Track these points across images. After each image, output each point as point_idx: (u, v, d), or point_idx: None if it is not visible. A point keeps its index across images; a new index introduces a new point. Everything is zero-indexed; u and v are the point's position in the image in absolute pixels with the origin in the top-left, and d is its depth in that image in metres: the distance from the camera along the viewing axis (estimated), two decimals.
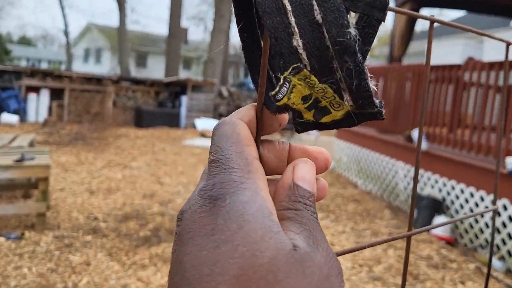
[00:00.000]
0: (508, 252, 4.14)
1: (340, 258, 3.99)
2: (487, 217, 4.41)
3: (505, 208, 4.23)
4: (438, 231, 4.68)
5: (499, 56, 4.59)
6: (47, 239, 3.95)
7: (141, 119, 12.40)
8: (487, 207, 4.44)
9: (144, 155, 8.32)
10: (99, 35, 34.71)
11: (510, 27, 11.37)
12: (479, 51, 4.93)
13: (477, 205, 4.57)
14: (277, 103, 0.30)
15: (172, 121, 12.84)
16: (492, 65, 4.74)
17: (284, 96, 0.30)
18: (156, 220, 4.64)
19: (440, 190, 5.12)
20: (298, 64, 0.30)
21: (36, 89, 11.89)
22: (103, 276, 3.35)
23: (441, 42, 5.95)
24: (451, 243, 4.61)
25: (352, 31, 0.29)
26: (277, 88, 0.30)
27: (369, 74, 0.31)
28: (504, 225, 4.23)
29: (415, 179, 0.38)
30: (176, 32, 17.89)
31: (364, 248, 0.35)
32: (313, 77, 0.30)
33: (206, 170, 0.31)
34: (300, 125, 0.33)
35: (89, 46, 36.51)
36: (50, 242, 3.89)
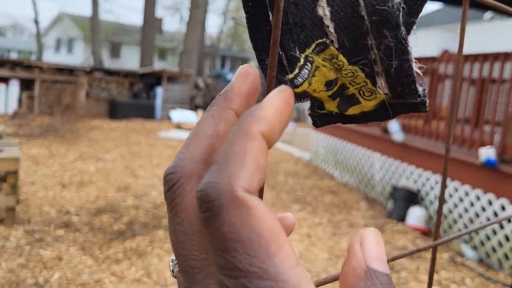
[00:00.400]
0: (481, 242, 4.22)
1: (316, 248, 4.00)
2: (461, 207, 4.48)
3: (478, 198, 4.31)
4: (413, 222, 4.74)
5: (474, 49, 4.65)
6: (17, 234, 3.82)
7: (115, 111, 12.18)
8: (461, 198, 4.52)
9: (118, 147, 8.17)
10: (71, 24, 33.87)
11: (484, 20, 11.58)
12: (455, 44, 4.97)
13: (451, 195, 4.64)
14: (296, 90, 0.23)
15: (147, 112, 12.66)
16: (467, 58, 4.80)
17: (304, 81, 0.23)
18: (130, 214, 4.56)
19: (415, 181, 5.18)
20: (324, 39, 0.23)
21: (5, 80, 11.51)
22: (75, 271, 3.27)
23: (417, 34, 6.00)
24: (425, 233, 4.68)
25: None
26: (296, 70, 0.23)
27: (413, 54, 0.24)
28: (477, 215, 4.31)
29: (442, 189, 0.34)
30: (151, 22, 17.60)
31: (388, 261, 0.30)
32: (341, 57, 0.24)
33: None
34: (319, 118, 0.26)
35: (60, 36, 35.60)
36: (20, 237, 3.77)
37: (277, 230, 0.19)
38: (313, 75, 0.24)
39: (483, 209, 4.23)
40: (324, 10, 0.23)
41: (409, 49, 0.24)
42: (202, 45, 20.74)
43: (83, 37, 31.24)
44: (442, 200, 0.36)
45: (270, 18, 0.25)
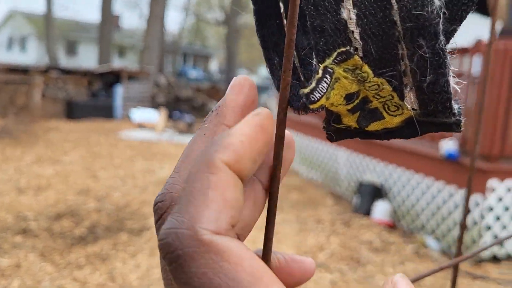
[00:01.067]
0: (443, 234, 4.32)
1: (284, 245, 4.00)
2: (423, 201, 4.58)
3: (439, 190, 4.42)
4: (378, 216, 4.81)
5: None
6: None
7: (72, 111, 11.80)
8: (423, 192, 4.62)
9: (78, 148, 7.91)
10: (24, 21, 32.62)
11: None
12: None
13: (413, 189, 4.73)
14: (311, 106, 0.20)
15: (107, 112, 12.34)
16: None
17: (322, 96, 0.20)
18: (92, 217, 4.41)
19: (379, 176, 5.26)
20: (347, 47, 0.20)
21: None
22: (35, 278, 3.13)
23: None
24: (391, 226, 4.76)
25: (436, 0, 0.19)
26: (313, 84, 0.20)
27: (451, 67, 0.21)
28: (438, 207, 4.42)
29: (466, 206, 0.31)
30: (108, 18, 17.18)
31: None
32: (366, 68, 0.20)
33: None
34: (335, 133, 0.23)
35: (12, 34, 34.23)
36: None
37: (259, 272, 0.15)
38: (332, 88, 0.20)
39: (444, 200, 4.33)
40: (349, 13, 0.19)
41: (447, 61, 0.21)
42: (162, 41, 20.40)
43: (37, 34, 30.16)
44: (466, 214, 0.32)
45: (281, 11, 0.22)
